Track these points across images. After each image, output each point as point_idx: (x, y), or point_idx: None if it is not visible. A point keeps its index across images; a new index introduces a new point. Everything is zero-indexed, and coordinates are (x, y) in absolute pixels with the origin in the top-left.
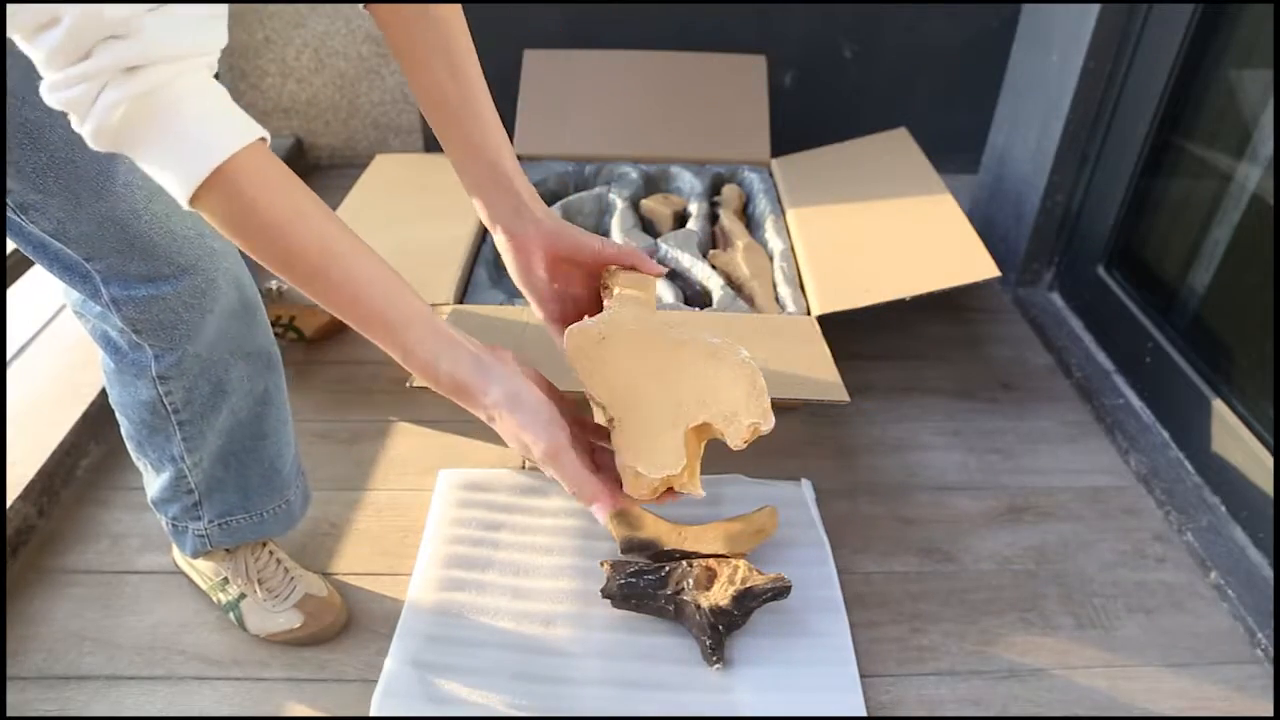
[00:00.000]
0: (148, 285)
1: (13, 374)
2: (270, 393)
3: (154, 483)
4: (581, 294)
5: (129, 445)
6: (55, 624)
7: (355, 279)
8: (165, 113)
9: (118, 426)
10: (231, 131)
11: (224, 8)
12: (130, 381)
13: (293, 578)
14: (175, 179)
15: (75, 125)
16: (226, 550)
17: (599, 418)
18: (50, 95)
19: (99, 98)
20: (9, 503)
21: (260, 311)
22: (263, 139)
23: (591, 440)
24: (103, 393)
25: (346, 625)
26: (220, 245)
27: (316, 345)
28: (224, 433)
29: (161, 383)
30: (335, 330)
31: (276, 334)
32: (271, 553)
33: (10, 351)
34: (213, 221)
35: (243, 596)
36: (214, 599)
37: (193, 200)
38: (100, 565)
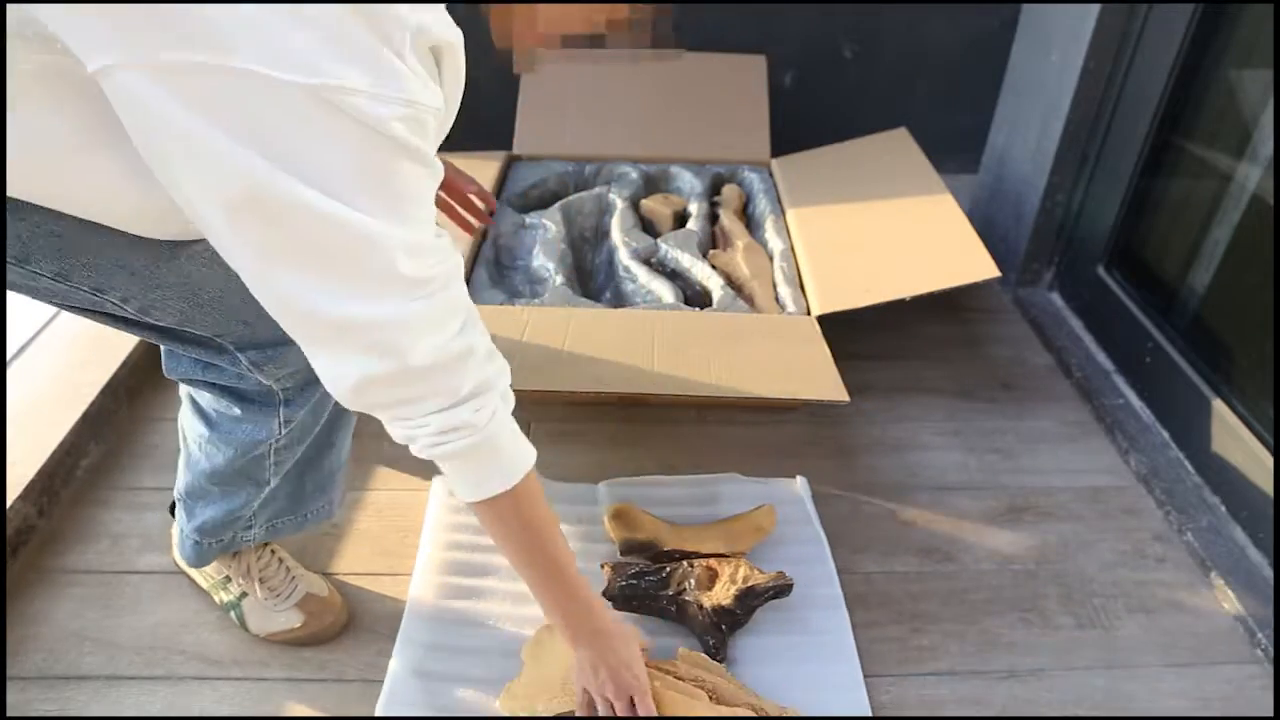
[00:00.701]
0: (280, 345)
1: (13, 374)
2: (345, 410)
3: (209, 509)
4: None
5: (202, 477)
6: (55, 624)
7: (564, 585)
8: (483, 447)
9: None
10: (523, 461)
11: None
12: (253, 420)
13: (294, 577)
14: (472, 492)
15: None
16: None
17: None
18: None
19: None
20: (9, 503)
21: None
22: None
23: None
24: (102, 392)
25: (347, 625)
26: None
27: None
28: (292, 460)
29: (285, 426)
30: None
31: None
32: (274, 552)
33: (10, 351)
34: (481, 516)
35: (244, 595)
36: (215, 598)
37: (475, 504)
38: (100, 565)
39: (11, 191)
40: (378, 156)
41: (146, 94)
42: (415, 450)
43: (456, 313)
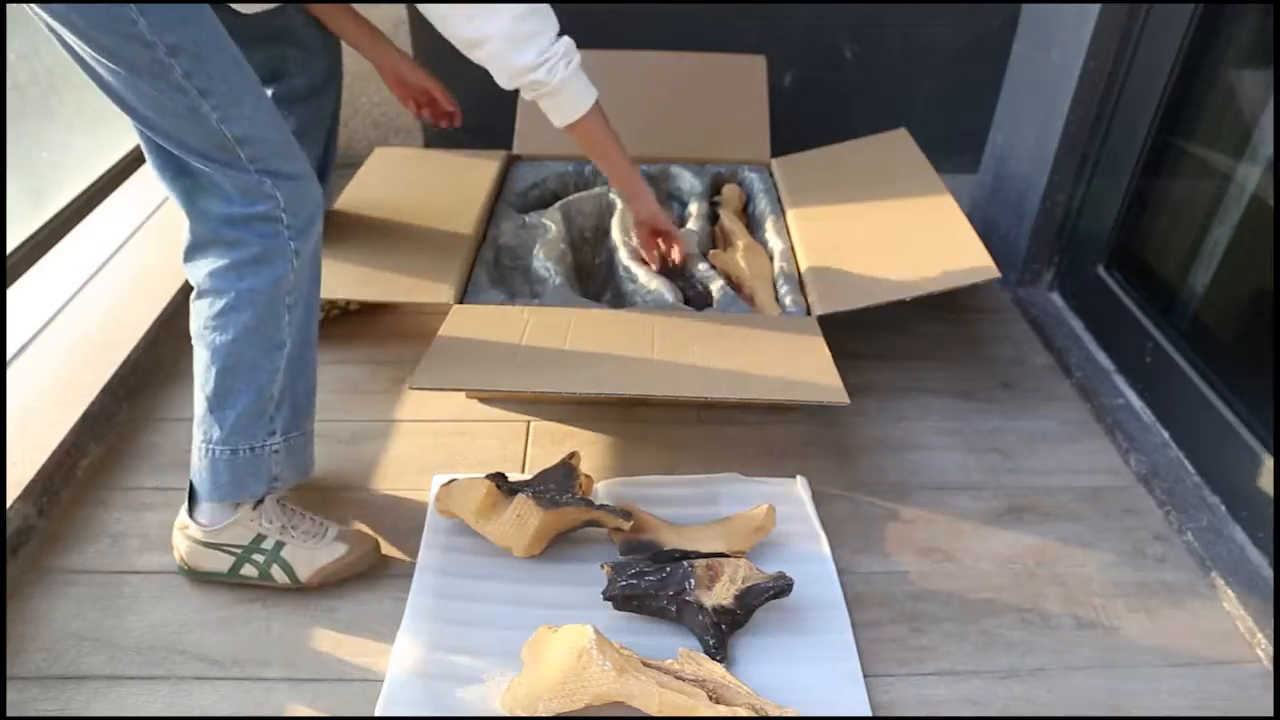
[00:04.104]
0: (294, 181)
1: (13, 374)
2: (316, 301)
3: (240, 401)
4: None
5: (229, 361)
6: (55, 624)
7: (630, 166)
8: (572, 83)
9: (194, 365)
10: (591, 93)
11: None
12: (271, 259)
13: (320, 520)
14: (576, 109)
15: (531, 91)
16: (253, 508)
17: None
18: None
19: (557, 79)
20: (9, 503)
21: None
22: (598, 100)
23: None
24: (102, 392)
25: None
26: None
27: (343, 324)
28: (296, 331)
29: (296, 259)
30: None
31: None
32: (293, 507)
33: (10, 351)
34: (580, 133)
35: (281, 546)
36: (244, 573)
37: (567, 126)
38: (100, 565)
39: None
40: None
41: None
42: (547, 74)
43: None
